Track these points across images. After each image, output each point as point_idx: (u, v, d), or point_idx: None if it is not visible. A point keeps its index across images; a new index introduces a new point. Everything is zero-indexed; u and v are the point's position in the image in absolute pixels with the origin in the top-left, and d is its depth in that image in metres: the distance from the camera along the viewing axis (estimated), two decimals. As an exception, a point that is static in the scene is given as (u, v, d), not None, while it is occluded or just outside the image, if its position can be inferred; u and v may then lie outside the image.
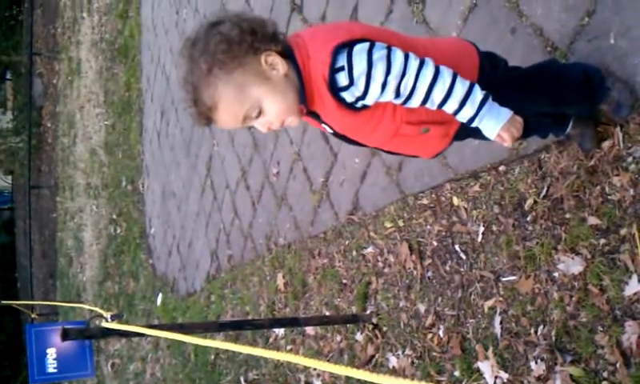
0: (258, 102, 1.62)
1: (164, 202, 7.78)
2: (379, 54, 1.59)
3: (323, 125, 1.79)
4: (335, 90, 1.61)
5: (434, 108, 1.67)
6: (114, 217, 10.15)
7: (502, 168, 2.73)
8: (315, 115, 1.74)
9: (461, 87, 1.63)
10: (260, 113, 1.65)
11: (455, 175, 3.01)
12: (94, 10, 12.27)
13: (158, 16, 8.31)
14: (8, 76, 24.41)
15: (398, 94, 1.63)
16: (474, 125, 1.69)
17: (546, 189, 2.51)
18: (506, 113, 1.69)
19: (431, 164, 3.16)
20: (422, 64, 1.61)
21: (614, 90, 2.19)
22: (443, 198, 3.08)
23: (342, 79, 1.59)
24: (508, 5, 2.71)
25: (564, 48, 2.44)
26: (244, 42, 1.58)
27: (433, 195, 3.14)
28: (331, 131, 1.82)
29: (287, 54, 1.64)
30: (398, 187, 3.41)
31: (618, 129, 2.23)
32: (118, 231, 9.89)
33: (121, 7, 10.34)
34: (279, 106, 1.64)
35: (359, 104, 1.65)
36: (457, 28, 2.99)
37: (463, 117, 1.67)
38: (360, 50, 1.59)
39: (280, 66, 1.61)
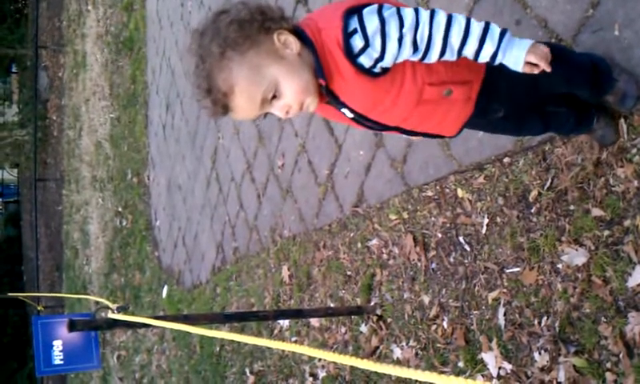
0: (275, 82, 1.57)
1: (169, 194, 7.81)
2: (389, 11, 1.57)
3: (342, 109, 1.72)
4: (352, 55, 1.56)
5: (454, 56, 1.62)
6: (120, 209, 10.19)
7: (506, 160, 2.74)
8: (334, 100, 1.68)
9: (477, 25, 1.60)
10: (276, 95, 1.60)
11: (459, 167, 3.02)
12: (99, 3, 12.29)
13: (163, 8, 8.31)
14: (14, 69, 24.49)
15: (415, 48, 1.58)
16: (497, 61, 1.63)
17: (550, 180, 2.52)
18: (528, 41, 1.65)
19: (436, 156, 3.16)
20: (433, 12, 1.59)
21: (620, 81, 2.18)
22: (448, 190, 3.09)
23: (358, 42, 1.55)
24: (513, -4, 2.71)
25: (569, 39, 2.44)
26: (255, 21, 1.55)
27: (437, 187, 3.15)
28: (351, 115, 1.74)
29: (298, 34, 1.61)
30: (402, 179, 3.42)
31: (623, 120, 2.24)
32: (124, 223, 9.92)
33: (126, 0, 10.34)
34: (296, 85, 1.59)
35: (378, 68, 1.60)
36: (461, 20, 2.99)
37: (485, 55, 1.62)
38: (370, 11, 1.56)
39: (293, 44, 1.58)
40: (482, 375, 2.75)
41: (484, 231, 2.83)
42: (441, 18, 1.58)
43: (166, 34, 8.16)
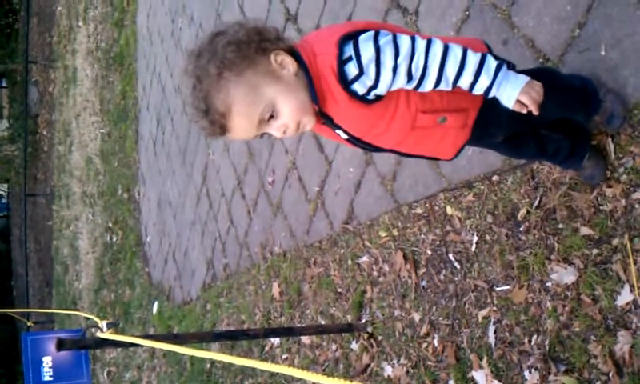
0: (272, 102, 1.57)
1: (160, 210, 7.78)
2: (385, 39, 1.56)
3: (337, 131, 1.72)
4: (346, 82, 1.56)
5: (449, 87, 1.62)
6: (110, 225, 10.14)
7: (495, 178, 2.75)
8: (329, 121, 1.68)
9: (473, 57, 1.59)
10: (273, 115, 1.59)
11: (449, 185, 3.03)
12: (90, 19, 12.29)
13: (154, 25, 8.32)
14: (4, 84, 24.43)
15: (410, 77, 1.58)
16: (491, 95, 1.63)
17: (538, 199, 2.53)
18: (523, 78, 1.64)
19: (425, 173, 3.17)
20: (429, 42, 1.58)
21: (607, 101, 2.20)
22: (437, 208, 3.09)
23: (352, 69, 1.55)
24: (500, 16, 2.73)
25: (555, 59, 2.46)
26: (252, 41, 1.55)
27: (427, 205, 3.16)
28: (346, 137, 1.74)
29: (294, 54, 1.61)
30: (392, 197, 3.43)
31: (610, 140, 2.25)
32: (114, 239, 9.88)
33: (116, 16, 10.35)
34: (293, 105, 1.59)
35: (372, 95, 1.59)
36: (450, 39, 3.01)
37: (480, 88, 1.62)
38: (366, 38, 1.56)
39: (290, 64, 1.58)
40: (473, 394, 2.75)
41: (473, 249, 2.83)
42: (437, 49, 1.57)
43: (156, 50, 8.16)
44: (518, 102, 1.64)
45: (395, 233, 3.37)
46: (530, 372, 2.47)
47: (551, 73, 2.29)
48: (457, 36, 2.96)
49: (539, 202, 2.52)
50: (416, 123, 1.69)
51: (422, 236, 3.17)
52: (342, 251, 3.84)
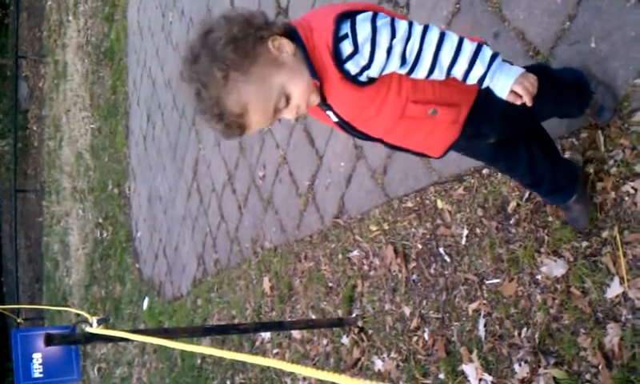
0: (282, 88, 1.57)
1: (150, 205, 7.75)
2: (383, 21, 1.55)
3: (328, 112, 1.72)
4: (340, 60, 1.55)
5: (443, 74, 1.61)
6: (100, 221, 10.10)
7: (485, 171, 2.74)
8: (323, 101, 1.68)
9: (469, 45, 1.58)
10: (287, 100, 1.60)
11: (439, 178, 3.02)
12: (80, 13, 12.21)
13: (145, 19, 8.28)
14: (-7, 79, 24.25)
15: (404, 60, 1.57)
16: (484, 84, 1.62)
17: (528, 192, 2.52)
18: (518, 69, 1.64)
19: (416, 167, 3.17)
20: (426, 27, 1.57)
21: (597, 94, 2.20)
22: (428, 201, 3.09)
23: (347, 47, 1.54)
24: (491, 9, 2.73)
25: (546, 52, 2.46)
26: (249, 35, 1.53)
27: (417, 198, 3.15)
28: (335, 119, 1.74)
29: (291, 34, 1.60)
30: (382, 190, 3.42)
31: (600, 132, 2.25)
32: (104, 235, 9.84)
33: (107, 10, 10.30)
34: (301, 85, 1.59)
35: (364, 76, 1.59)
36: (440, 32, 3.00)
37: (474, 77, 1.61)
38: (364, 18, 1.55)
39: (287, 46, 1.56)
40: (463, 387, 2.75)
41: (464, 242, 2.83)
42: (433, 34, 1.57)
43: (146, 44, 8.13)
44: (512, 92, 1.62)
45: (386, 227, 3.36)
46: (520, 365, 2.48)
47: (545, 68, 2.29)
48: (448, 29, 2.95)
49: (529, 194, 2.52)
50: (406, 112, 1.68)
51: (413, 230, 3.17)
52: (333, 245, 3.84)
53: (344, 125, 1.75)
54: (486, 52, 1.60)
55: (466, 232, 2.82)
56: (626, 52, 2.17)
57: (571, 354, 2.29)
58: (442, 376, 2.89)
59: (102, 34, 10.55)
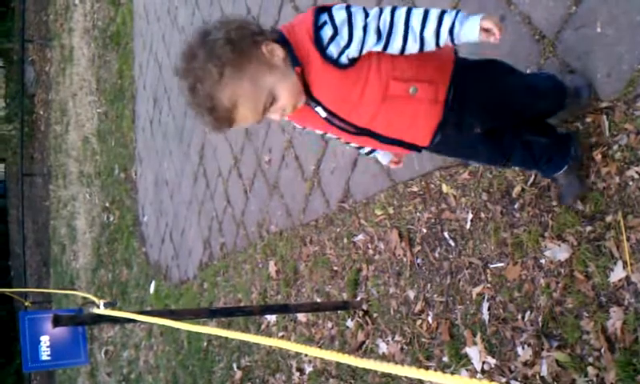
0: (272, 89, 1.69)
1: (157, 189, 7.78)
2: (356, 7, 1.72)
3: (316, 108, 1.81)
4: (322, 45, 1.68)
5: (417, 42, 1.70)
6: (107, 205, 10.15)
7: (490, 156, 2.75)
8: (309, 97, 1.78)
9: (435, 10, 1.71)
10: (273, 101, 1.72)
11: (444, 163, 3.03)
12: (86, -3, 12.21)
13: (151, 3, 8.27)
14: (0, 63, 24.29)
15: (379, 35, 1.69)
16: (456, 35, 1.69)
17: (533, 176, 2.53)
18: (481, 14, 1.73)
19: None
20: (395, 7, 1.72)
21: (568, 81, 2.29)
22: (433, 186, 3.10)
23: (327, 31, 1.68)
24: (497, -7, 2.72)
25: (551, 36, 2.45)
26: (245, 37, 1.66)
27: (422, 183, 3.16)
28: (324, 114, 1.82)
29: (279, 39, 1.72)
30: (388, 175, 3.43)
31: (605, 117, 2.26)
32: (111, 219, 9.89)
33: (113, -6, 10.29)
34: (289, 88, 1.71)
35: (344, 58, 1.70)
36: (447, 16, 3.00)
37: (445, 30, 1.69)
38: (339, 7, 1.70)
39: (278, 50, 1.69)
40: (466, 370, 2.77)
41: (468, 226, 2.84)
42: (402, 9, 1.72)
43: (153, 28, 8.12)
44: (483, 30, 1.69)
45: (391, 211, 3.38)
46: (523, 348, 2.50)
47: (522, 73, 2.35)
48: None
49: (534, 179, 2.53)
50: (388, 92, 1.76)
51: (418, 214, 3.18)
52: (338, 230, 3.86)
53: (333, 119, 1.84)
54: (451, 11, 1.73)
55: (470, 216, 2.83)
56: (632, 37, 2.17)
57: (574, 338, 2.30)
58: (445, 359, 2.91)
59: (109, 18, 10.54)
